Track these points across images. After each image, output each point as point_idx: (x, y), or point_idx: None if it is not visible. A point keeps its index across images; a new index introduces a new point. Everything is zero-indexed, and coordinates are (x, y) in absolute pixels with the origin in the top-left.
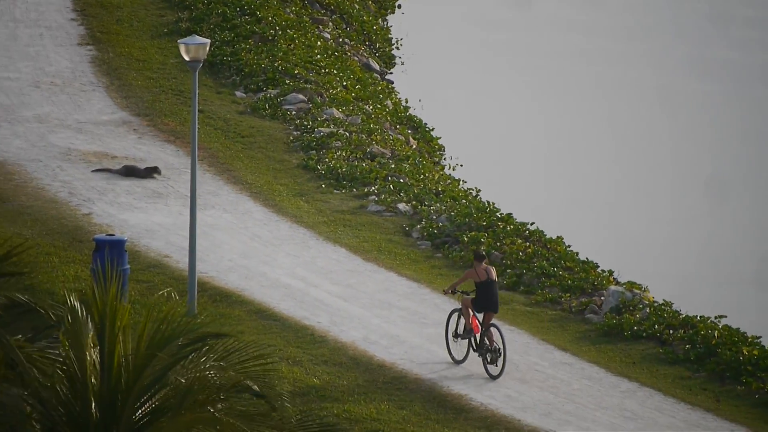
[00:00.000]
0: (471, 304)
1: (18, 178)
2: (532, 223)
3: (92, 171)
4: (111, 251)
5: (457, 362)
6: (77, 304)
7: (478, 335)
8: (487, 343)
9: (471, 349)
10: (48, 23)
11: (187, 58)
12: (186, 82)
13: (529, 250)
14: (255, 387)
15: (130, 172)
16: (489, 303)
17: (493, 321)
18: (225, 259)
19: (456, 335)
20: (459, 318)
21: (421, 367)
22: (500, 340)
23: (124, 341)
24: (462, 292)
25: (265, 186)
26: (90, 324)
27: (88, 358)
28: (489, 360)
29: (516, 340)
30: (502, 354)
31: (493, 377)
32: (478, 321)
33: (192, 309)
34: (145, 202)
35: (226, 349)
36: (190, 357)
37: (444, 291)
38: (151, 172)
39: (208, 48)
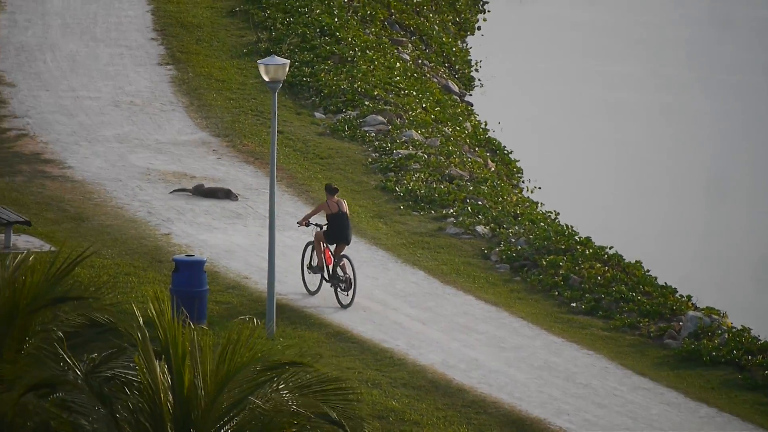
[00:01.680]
0: (323, 236)
1: (98, 198)
2: (610, 247)
3: (170, 192)
4: (190, 272)
5: (311, 293)
6: (149, 326)
7: (330, 266)
8: (340, 273)
9: (323, 280)
10: (128, 43)
11: (266, 79)
12: (265, 102)
13: (608, 274)
14: (333, 414)
15: (208, 193)
16: (340, 235)
17: (345, 252)
18: None
19: (309, 267)
20: (313, 251)
21: (500, 391)
22: (351, 271)
23: (202, 363)
24: (315, 224)
25: None
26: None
27: (161, 380)
28: (342, 289)
29: (594, 365)
30: (353, 284)
31: (344, 306)
32: (331, 252)
33: (271, 331)
34: (225, 222)
35: (305, 376)
36: (271, 382)
37: (297, 223)
38: (227, 195)
39: (287, 69)
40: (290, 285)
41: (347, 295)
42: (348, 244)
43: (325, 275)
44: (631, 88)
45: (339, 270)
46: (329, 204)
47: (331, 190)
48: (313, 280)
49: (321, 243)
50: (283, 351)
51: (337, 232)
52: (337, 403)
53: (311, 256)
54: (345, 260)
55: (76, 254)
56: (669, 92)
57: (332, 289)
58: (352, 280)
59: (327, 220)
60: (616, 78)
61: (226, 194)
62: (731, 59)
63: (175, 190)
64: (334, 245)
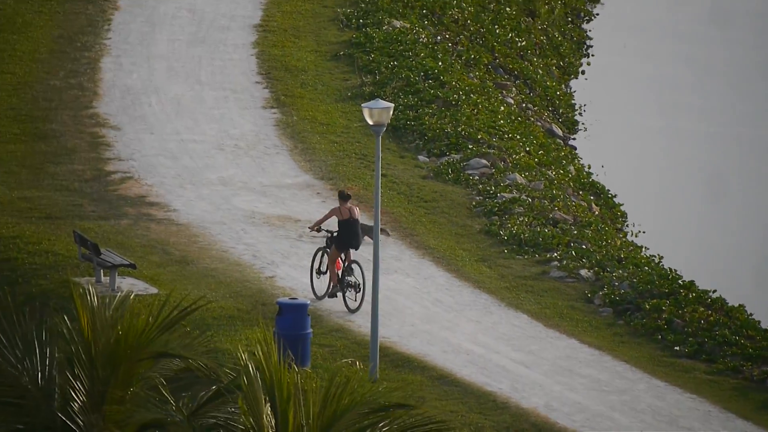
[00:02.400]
0: (333, 243)
1: (202, 241)
2: (714, 291)
3: (309, 228)
4: (294, 315)
5: (319, 298)
6: (253, 369)
7: (339, 272)
8: (348, 278)
9: (336, 292)
10: (233, 86)
11: (370, 122)
12: (369, 146)
13: (711, 318)
14: None
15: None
16: (350, 241)
17: (355, 258)
18: (407, 324)
19: (319, 272)
20: (323, 256)
21: None
22: (360, 276)
23: (304, 406)
24: (327, 230)
25: (447, 251)
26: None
27: (265, 424)
28: (351, 293)
29: (698, 409)
30: (362, 289)
31: (352, 311)
32: (341, 259)
33: (374, 374)
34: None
35: (409, 419)
36: (375, 426)
37: (309, 228)
38: (367, 233)
39: (391, 112)
40: (394, 328)
41: (355, 300)
42: (356, 250)
43: (338, 290)
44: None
45: (348, 275)
46: (341, 210)
47: (344, 197)
48: (320, 285)
49: (334, 256)
50: (387, 394)
51: (346, 238)
52: None
53: (320, 261)
54: (355, 265)
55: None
56: None
57: (342, 297)
58: (362, 285)
59: (338, 226)
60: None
61: (367, 231)
62: None
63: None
64: (344, 252)
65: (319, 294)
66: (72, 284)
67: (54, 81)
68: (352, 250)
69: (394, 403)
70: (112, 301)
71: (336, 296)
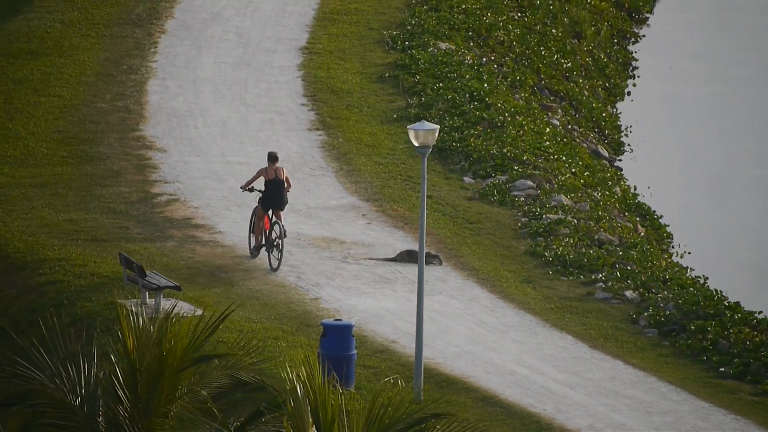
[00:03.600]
0: (260, 202)
1: (248, 263)
2: (759, 312)
3: (240, 188)
4: (338, 336)
5: (252, 256)
6: (299, 389)
7: (267, 231)
8: (272, 238)
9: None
10: (279, 108)
11: (416, 144)
12: (415, 167)
13: (757, 339)
14: None
15: (410, 257)
16: (274, 201)
17: (279, 219)
18: (451, 345)
19: (252, 231)
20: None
21: None
22: (280, 235)
23: (348, 427)
24: (257, 190)
25: (492, 272)
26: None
27: None
28: (275, 254)
29: (743, 430)
30: (281, 249)
31: (273, 269)
32: (268, 218)
33: (418, 395)
34: (373, 287)
35: (449, 428)
36: None
37: (240, 188)
38: (431, 260)
39: (437, 134)
40: (438, 349)
41: (276, 258)
42: (281, 210)
43: (263, 244)
44: None
45: (271, 235)
46: (268, 171)
47: (272, 158)
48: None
49: (261, 215)
50: (428, 408)
51: (270, 198)
52: None
53: (252, 221)
54: (277, 226)
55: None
56: None
57: (267, 256)
58: (281, 244)
59: (264, 186)
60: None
61: (431, 258)
62: None
63: (247, 189)
64: (270, 211)
65: (254, 253)
66: (118, 306)
67: (101, 104)
68: (282, 213)
69: (433, 413)
70: (154, 320)
71: (259, 253)
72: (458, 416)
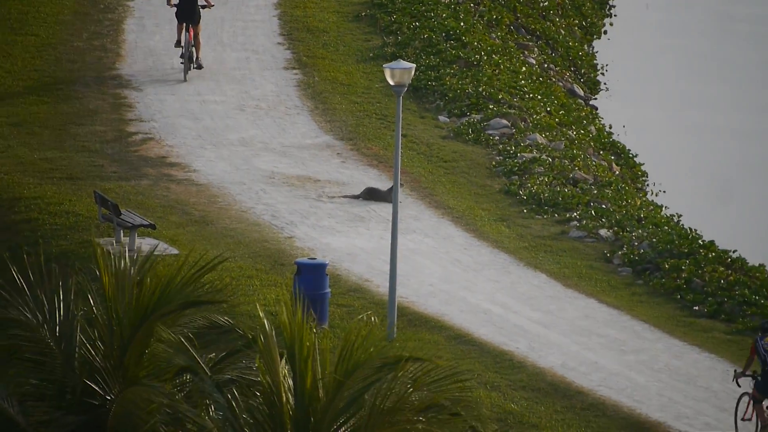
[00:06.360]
0: (176, 16)
1: (222, 201)
2: (734, 251)
3: (329, 197)
4: (312, 275)
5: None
6: (269, 328)
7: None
8: (184, 50)
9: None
10: (255, 47)
11: (392, 83)
12: (390, 106)
13: (731, 278)
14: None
15: (371, 194)
16: (182, 15)
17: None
18: (425, 284)
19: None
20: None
21: (620, 394)
22: (192, 48)
23: (321, 364)
24: (173, 5)
25: (466, 211)
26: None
27: (282, 381)
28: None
29: (716, 368)
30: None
31: (185, 78)
32: (185, 30)
33: (391, 334)
34: (347, 225)
35: (421, 370)
36: (386, 378)
37: (167, 4)
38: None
39: (413, 73)
40: (412, 288)
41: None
42: (192, 24)
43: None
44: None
45: (184, 46)
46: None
47: None
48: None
49: (178, 28)
50: (401, 348)
51: (181, 11)
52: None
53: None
54: (191, 35)
55: (202, 260)
56: None
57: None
58: (191, 57)
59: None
60: (744, 76)
61: (384, 195)
62: None
63: (342, 196)
64: (183, 24)
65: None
66: (94, 245)
67: (77, 42)
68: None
69: (407, 356)
70: (132, 261)
71: (182, 59)
72: (431, 360)
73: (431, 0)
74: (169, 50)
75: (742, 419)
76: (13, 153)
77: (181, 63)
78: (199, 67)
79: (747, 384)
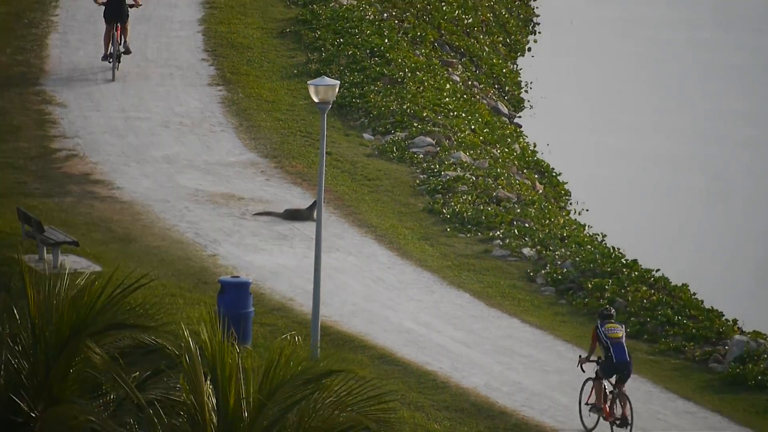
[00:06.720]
0: (103, 16)
1: (146, 219)
2: (657, 270)
3: (253, 214)
4: (236, 293)
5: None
6: (194, 348)
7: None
8: (114, 50)
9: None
10: (179, 63)
11: (316, 100)
12: (314, 123)
13: (654, 297)
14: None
15: (293, 215)
16: (113, 14)
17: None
18: (348, 302)
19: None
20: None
21: (543, 415)
22: (121, 46)
23: (245, 383)
24: (102, 3)
25: (390, 229)
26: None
27: (206, 400)
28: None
29: (639, 389)
30: (119, 56)
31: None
32: (112, 32)
33: (315, 353)
34: (271, 244)
35: (345, 389)
36: (310, 397)
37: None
38: (313, 208)
39: (337, 90)
40: (335, 307)
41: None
42: (121, 23)
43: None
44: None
45: (115, 47)
46: None
47: None
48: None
49: (107, 29)
50: (324, 365)
51: (109, 11)
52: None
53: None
54: (118, 33)
55: (128, 279)
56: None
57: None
58: (119, 53)
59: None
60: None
61: (312, 208)
62: None
63: (259, 213)
64: (111, 24)
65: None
66: (20, 263)
67: (1, 58)
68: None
69: (329, 370)
70: (56, 278)
71: (109, 60)
72: (353, 372)
73: (356, 17)
74: (93, 66)
75: (586, 404)
76: None
77: (109, 62)
78: (127, 51)
79: (591, 369)
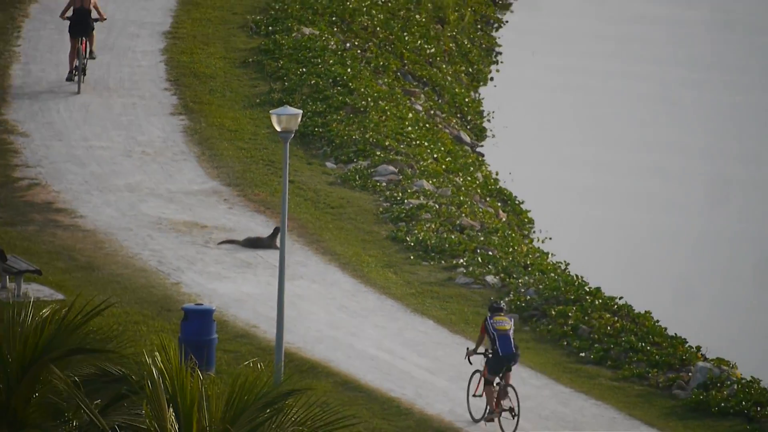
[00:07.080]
0: (68, 29)
1: (108, 247)
2: (620, 298)
3: (218, 243)
4: (199, 321)
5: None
6: (157, 375)
7: (76, 61)
8: (79, 63)
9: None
10: (141, 93)
11: (278, 129)
12: (277, 152)
13: (617, 324)
14: None
15: (254, 243)
16: (78, 27)
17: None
18: (312, 329)
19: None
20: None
21: None
22: (85, 57)
23: (208, 410)
24: (67, 18)
25: (353, 257)
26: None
27: (170, 427)
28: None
29: (603, 415)
30: (84, 71)
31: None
32: (78, 45)
33: (278, 380)
34: (234, 271)
35: (307, 414)
36: (272, 419)
37: (60, 16)
38: (275, 236)
39: (299, 119)
40: (299, 334)
41: (81, 81)
42: (86, 37)
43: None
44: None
45: (81, 58)
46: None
47: None
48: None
49: (73, 43)
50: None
51: (74, 25)
52: None
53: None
54: (83, 47)
55: (89, 306)
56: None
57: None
58: (84, 66)
59: (72, 12)
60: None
61: (275, 235)
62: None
63: (223, 242)
64: (76, 38)
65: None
66: None
67: None
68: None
69: (290, 389)
70: (19, 306)
71: (74, 78)
72: (314, 390)
73: (318, 46)
74: (56, 96)
75: (473, 395)
76: None
77: (75, 75)
78: (92, 57)
79: (478, 362)
